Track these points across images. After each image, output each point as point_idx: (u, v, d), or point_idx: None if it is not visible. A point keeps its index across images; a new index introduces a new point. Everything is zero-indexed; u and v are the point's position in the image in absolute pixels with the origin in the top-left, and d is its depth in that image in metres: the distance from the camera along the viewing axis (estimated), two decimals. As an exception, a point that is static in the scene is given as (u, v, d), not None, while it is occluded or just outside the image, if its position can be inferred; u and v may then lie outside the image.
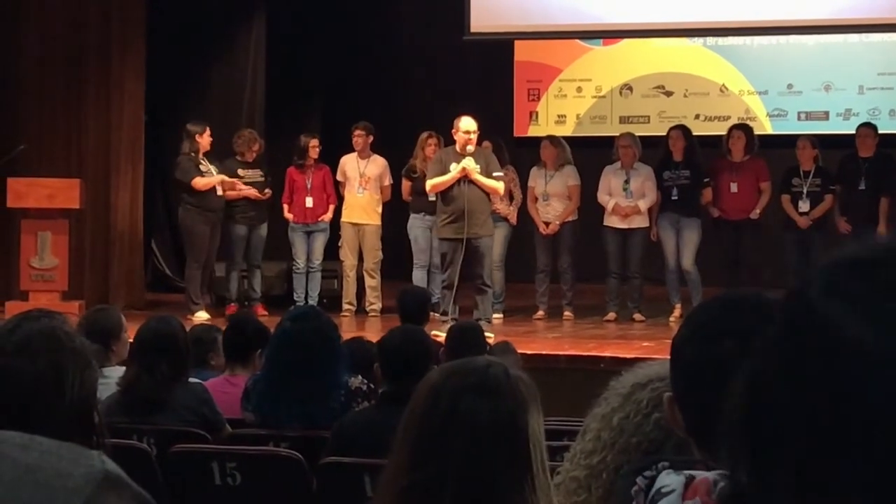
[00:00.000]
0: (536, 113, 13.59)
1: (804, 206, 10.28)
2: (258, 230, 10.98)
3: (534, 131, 13.15)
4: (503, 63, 13.42)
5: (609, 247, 10.51)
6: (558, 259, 10.69)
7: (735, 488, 0.94)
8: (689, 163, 10.45)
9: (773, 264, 10.25)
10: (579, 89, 13.47)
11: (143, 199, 11.76)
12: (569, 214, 10.67)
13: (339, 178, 11.07)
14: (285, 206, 11.07)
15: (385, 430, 2.30)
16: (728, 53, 13.05)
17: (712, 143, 10.96)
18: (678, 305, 10.31)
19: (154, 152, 12.01)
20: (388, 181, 11.00)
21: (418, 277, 10.60)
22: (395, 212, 11.07)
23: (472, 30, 11.62)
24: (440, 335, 7.17)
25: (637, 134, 10.91)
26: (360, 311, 10.93)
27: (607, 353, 8.53)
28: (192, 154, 10.70)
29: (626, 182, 10.48)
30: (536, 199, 10.73)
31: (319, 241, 11.11)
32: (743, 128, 10.90)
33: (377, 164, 11.00)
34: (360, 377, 4.96)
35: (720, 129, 11.52)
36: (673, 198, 10.39)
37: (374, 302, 10.83)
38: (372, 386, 4.93)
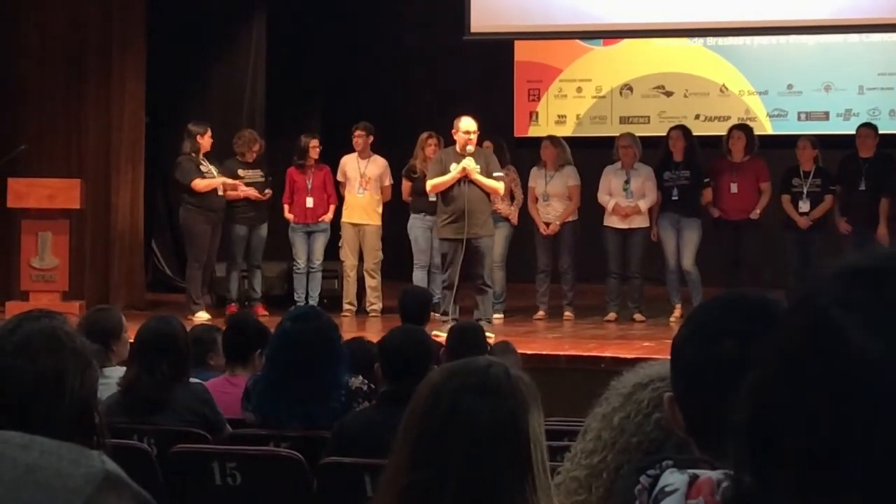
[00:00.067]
0: (536, 113, 13.59)
1: (804, 206, 10.28)
2: (258, 230, 10.98)
3: (534, 131, 13.14)
4: (503, 63, 13.42)
5: (609, 247, 10.50)
6: (559, 259, 10.68)
7: (738, 489, 0.94)
8: (690, 163, 10.44)
9: (773, 264, 10.26)
10: (579, 89, 13.47)
11: (143, 199, 11.75)
12: (569, 215, 10.67)
13: (339, 178, 11.06)
14: (286, 207, 11.07)
15: (385, 431, 2.30)
16: (728, 53, 13.05)
17: (712, 144, 10.96)
18: (678, 305, 10.30)
19: (154, 152, 12.01)
20: (388, 181, 11.00)
21: (418, 278, 10.59)
22: (395, 212, 11.06)
23: (473, 30, 11.61)
24: (441, 335, 7.17)
25: (637, 134, 10.91)
26: (361, 311, 10.93)
27: (608, 354, 8.52)
28: (193, 154, 10.70)
29: (627, 182, 10.48)
30: (537, 199, 10.73)
31: (320, 242, 11.10)
32: (743, 128, 10.90)
33: (377, 165, 10.99)
34: (360, 377, 4.96)
35: (720, 130, 11.52)
36: (673, 198, 10.39)
37: (374, 302, 10.83)
38: (372, 386, 4.93)
